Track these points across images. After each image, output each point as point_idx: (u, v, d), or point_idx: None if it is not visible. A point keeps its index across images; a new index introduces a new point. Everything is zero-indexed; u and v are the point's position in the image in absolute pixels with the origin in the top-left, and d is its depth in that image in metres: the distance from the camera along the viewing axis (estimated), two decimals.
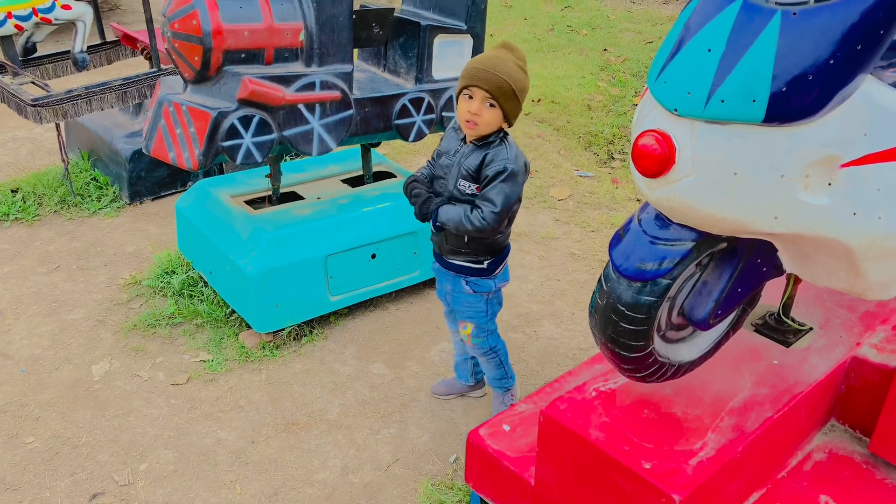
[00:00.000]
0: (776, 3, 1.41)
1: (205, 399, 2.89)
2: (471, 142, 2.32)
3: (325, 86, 2.91)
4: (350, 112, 3.01)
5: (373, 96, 3.12)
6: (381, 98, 3.14)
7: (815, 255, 1.73)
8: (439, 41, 3.23)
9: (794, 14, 1.40)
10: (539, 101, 5.97)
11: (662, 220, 1.70)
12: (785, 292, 2.25)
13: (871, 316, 2.37)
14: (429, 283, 3.57)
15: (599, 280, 1.82)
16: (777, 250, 1.82)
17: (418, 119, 3.28)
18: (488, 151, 2.29)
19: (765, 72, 1.41)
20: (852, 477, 2.08)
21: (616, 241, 1.79)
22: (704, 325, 1.84)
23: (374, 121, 3.16)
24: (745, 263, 1.81)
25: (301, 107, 2.88)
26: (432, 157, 2.47)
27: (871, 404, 2.19)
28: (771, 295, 2.20)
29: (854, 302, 2.43)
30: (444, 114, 3.34)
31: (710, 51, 1.46)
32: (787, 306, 2.28)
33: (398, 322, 3.36)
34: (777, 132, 1.44)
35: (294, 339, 3.20)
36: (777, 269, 1.87)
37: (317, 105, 2.92)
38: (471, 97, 2.22)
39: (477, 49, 3.35)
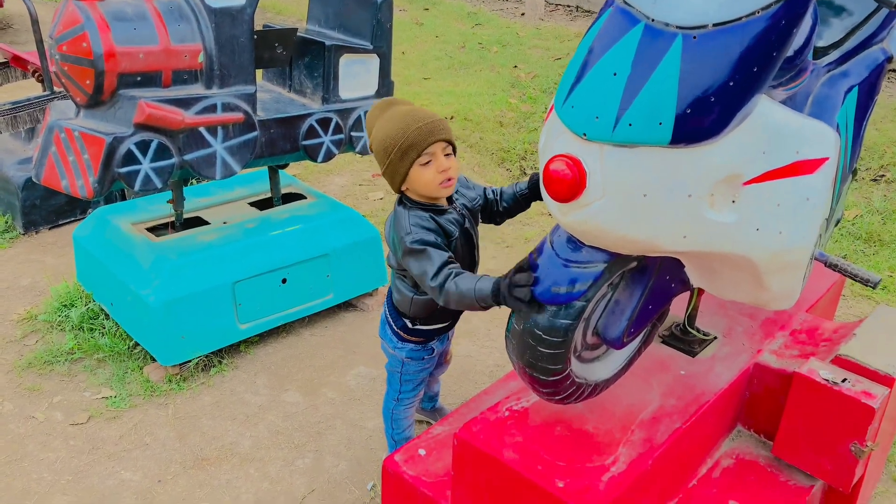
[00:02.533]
0: (677, 28, 1.44)
1: (107, 438, 2.74)
2: (452, 202, 2.14)
3: (227, 108, 2.83)
4: (254, 134, 2.94)
5: (278, 117, 3.05)
6: (286, 119, 3.08)
7: (720, 270, 1.78)
8: (345, 60, 3.20)
9: (695, 38, 1.43)
10: (452, 118, 6.00)
11: (574, 243, 1.71)
12: (689, 304, 2.30)
13: (770, 323, 2.45)
14: (343, 307, 3.51)
15: None
16: (684, 266, 1.86)
17: (326, 139, 3.23)
18: (458, 188, 2.16)
19: (670, 95, 1.44)
20: (758, 481, 2.14)
21: (530, 265, 1.79)
22: (619, 343, 1.86)
23: (281, 142, 3.10)
24: (655, 281, 1.84)
25: (202, 130, 2.79)
26: (441, 244, 2.00)
27: (773, 409, 2.26)
28: (676, 307, 2.25)
29: (755, 310, 2.51)
30: (352, 133, 3.30)
31: (615, 75, 1.47)
32: (691, 317, 2.33)
33: (312, 348, 3.28)
34: (683, 153, 1.47)
35: (202, 370, 3.09)
36: (685, 284, 1.92)
37: (219, 127, 2.83)
38: (429, 162, 1.98)
39: (384, 68, 3.33)
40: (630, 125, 1.46)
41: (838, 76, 2.08)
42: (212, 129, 2.82)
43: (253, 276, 3.09)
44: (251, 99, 2.91)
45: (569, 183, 1.53)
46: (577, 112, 1.52)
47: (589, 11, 9.72)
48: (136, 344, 3.13)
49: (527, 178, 2.36)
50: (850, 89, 2.07)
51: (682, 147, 1.47)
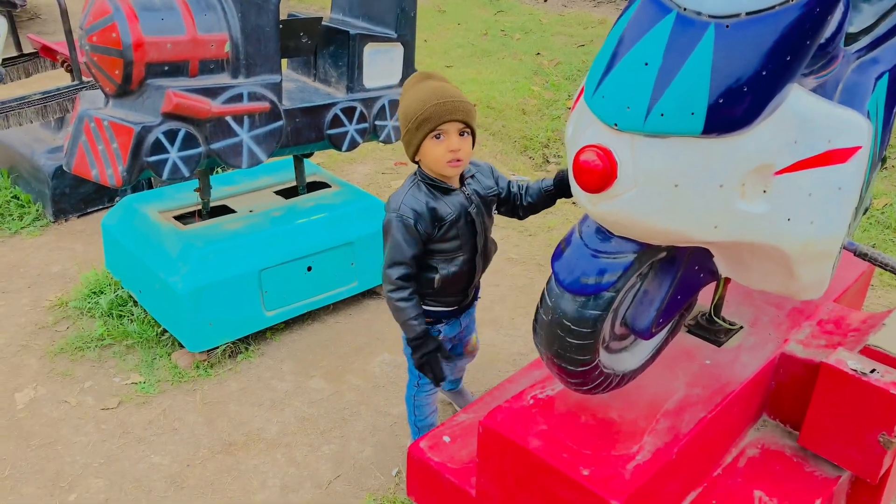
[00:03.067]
0: (709, 17, 1.43)
1: (137, 423, 2.79)
2: (466, 180, 2.20)
3: (254, 97, 2.85)
4: (280, 123, 2.96)
5: (303, 106, 3.07)
6: (312, 108, 3.10)
7: (750, 260, 1.77)
8: (369, 49, 3.21)
9: (727, 27, 1.42)
10: (475, 106, 5.98)
11: (603, 233, 1.71)
12: (716, 293, 2.29)
13: (797, 312, 2.43)
14: (367, 294, 3.54)
15: (542, 294, 1.82)
16: (713, 256, 1.85)
17: (351, 128, 3.24)
18: (475, 174, 2.22)
19: (702, 85, 1.43)
20: (784, 471, 2.13)
21: (558, 254, 1.79)
22: (647, 334, 1.86)
23: (306, 131, 3.12)
24: (684, 271, 1.84)
25: (229, 119, 2.82)
26: (410, 256, 2.12)
27: (799, 399, 2.25)
28: (703, 296, 2.24)
29: (781, 299, 2.49)
30: (377, 122, 3.31)
31: (646, 65, 1.47)
32: (717, 307, 2.32)
33: (337, 335, 3.31)
34: (715, 143, 1.47)
35: (229, 356, 3.13)
36: (713, 275, 1.91)
37: (245, 117, 2.86)
38: (439, 136, 2.03)
39: (408, 57, 3.33)
40: (662, 115, 1.46)
41: (868, 62, 2.05)
42: (238, 119, 2.84)
43: (279, 263, 3.12)
44: (277, 88, 2.93)
45: (599, 173, 1.53)
46: (607, 102, 1.52)
47: None
48: (164, 331, 3.18)
49: (552, 172, 2.38)
50: (880, 76, 2.04)
51: (713, 137, 1.47)
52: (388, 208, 2.12)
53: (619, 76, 1.51)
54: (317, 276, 3.26)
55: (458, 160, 2.06)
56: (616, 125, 1.50)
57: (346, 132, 3.23)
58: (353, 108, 3.21)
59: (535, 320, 1.87)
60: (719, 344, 2.29)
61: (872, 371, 2.04)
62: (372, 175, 4.90)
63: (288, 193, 3.54)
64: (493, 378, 3.05)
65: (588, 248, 1.74)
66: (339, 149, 3.25)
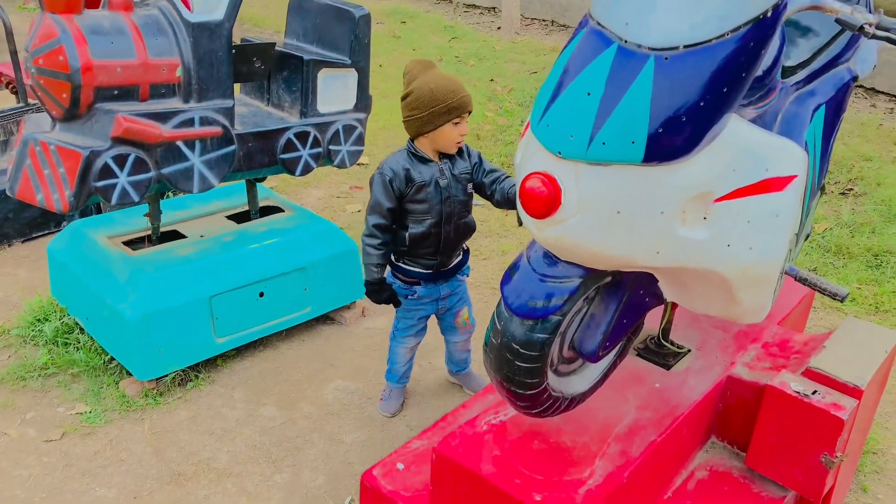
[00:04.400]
0: (649, 49, 1.47)
1: (82, 455, 2.71)
2: (443, 159, 2.56)
3: (205, 121, 2.83)
4: (232, 148, 2.94)
5: (256, 131, 3.05)
6: (264, 132, 3.08)
7: (693, 284, 1.81)
8: (324, 75, 3.21)
9: (666, 59, 1.47)
10: None
11: (550, 258, 1.74)
12: (664, 317, 2.34)
13: (742, 335, 2.50)
14: (320, 320, 3.51)
15: (492, 318, 1.84)
16: (658, 281, 1.89)
17: (304, 153, 3.23)
18: (456, 156, 2.58)
19: (642, 114, 1.47)
20: (731, 492, 2.17)
21: (507, 279, 1.81)
22: (594, 357, 1.89)
23: (259, 156, 3.10)
24: (630, 295, 1.87)
25: (180, 143, 2.79)
26: (385, 208, 2.52)
27: (746, 421, 2.30)
28: (651, 320, 2.28)
29: (727, 323, 2.55)
30: (331, 147, 3.31)
31: (589, 94, 1.51)
32: (665, 330, 2.37)
33: (289, 361, 3.28)
34: (655, 171, 1.51)
35: (178, 384, 3.07)
36: (658, 299, 1.95)
37: (197, 141, 2.83)
38: (457, 122, 2.45)
39: (363, 83, 3.35)
40: (604, 144, 1.49)
41: (806, 95, 2.13)
42: (189, 143, 2.81)
43: (230, 289, 3.09)
44: (229, 113, 2.91)
45: (544, 200, 1.56)
46: (552, 130, 1.55)
47: (564, 26, 9.82)
48: (112, 358, 3.11)
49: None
50: (817, 107, 2.12)
51: (654, 165, 1.51)
52: (382, 163, 2.52)
53: (563, 105, 1.55)
54: (269, 301, 3.23)
55: (460, 142, 2.50)
56: (560, 153, 1.54)
57: (300, 157, 3.23)
58: (307, 133, 3.21)
59: (486, 344, 1.89)
60: (668, 367, 2.33)
61: (814, 392, 2.09)
62: (326, 199, 4.88)
63: (240, 218, 3.51)
64: (448, 403, 3.05)
65: (535, 272, 1.77)
66: (293, 173, 3.24)
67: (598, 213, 1.55)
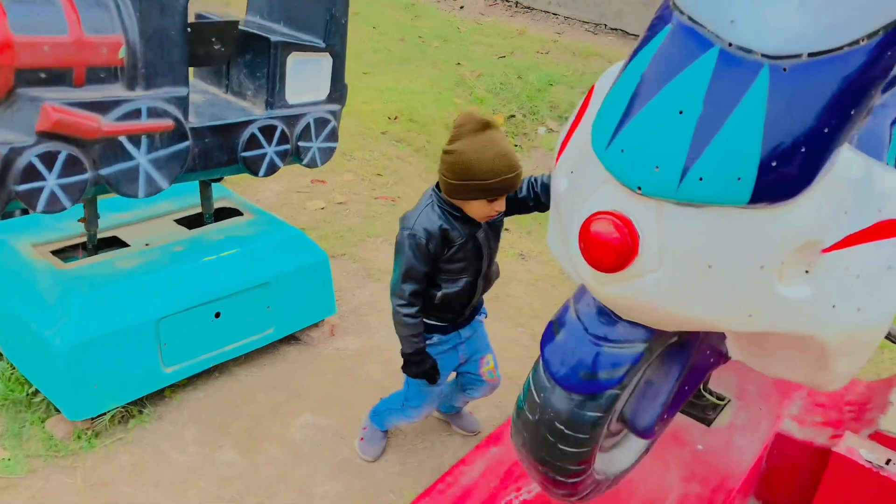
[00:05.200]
0: (763, 56, 1.11)
1: None
2: None
3: (154, 113, 2.35)
4: (186, 144, 2.48)
5: (214, 124, 2.59)
6: (224, 126, 2.62)
7: (776, 348, 1.47)
8: (293, 60, 2.76)
9: (785, 69, 1.11)
10: (396, 118, 5.59)
11: (608, 316, 1.38)
12: None
13: (785, 382, 2.18)
14: (285, 340, 3.08)
15: (527, 385, 1.47)
16: (726, 338, 1.54)
17: (270, 150, 2.78)
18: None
19: (752, 142, 1.12)
20: None
21: (549, 337, 1.44)
22: (650, 433, 1.53)
23: (217, 153, 2.64)
24: (695, 357, 1.52)
25: (123, 139, 2.31)
26: (422, 273, 2.12)
27: (795, 484, 1.99)
28: None
29: None
30: (300, 144, 2.87)
31: (681, 113, 1.14)
32: (705, 381, 2.03)
33: (249, 392, 2.84)
34: (761, 215, 1.17)
35: (119, 422, 2.60)
36: (724, 357, 1.61)
37: (143, 137, 2.36)
38: (493, 200, 2.02)
39: (337, 70, 2.90)
40: (701, 179, 1.14)
41: (878, 107, 1.81)
42: (134, 139, 2.34)
43: (181, 310, 2.63)
44: (182, 103, 2.44)
45: (617, 249, 1.20)
46: (629, 158, 1.18)
47: (529, 8, 9.44)
48: (37, 391, 2.62)
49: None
50: (893, 122, 1.80)
51: (760, 207, 1.16)
52: (403, 225, 2.11)
53: (645, 126, 1.18)
54: (226, 323, 2.78)
55: (494, 216, 2.09)
56: (639, 189, 1.17)
57: (265, 154, 2.78)
58: (273, 127, 2.75)
59: (517, 416, 1.52)
60: (708, 423, 2.01)
61: (888, 462, 1.79)
62: (285, 194, 4.42)
63: (192, 222, 3.04)
64: (427, 445, 2.67)
65: (589, 333, 1.41)
66: (256, 173, 2.78)
67: (684, 268, 1.20)
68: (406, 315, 2.13)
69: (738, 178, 1.14)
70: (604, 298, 1.33)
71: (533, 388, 1.46)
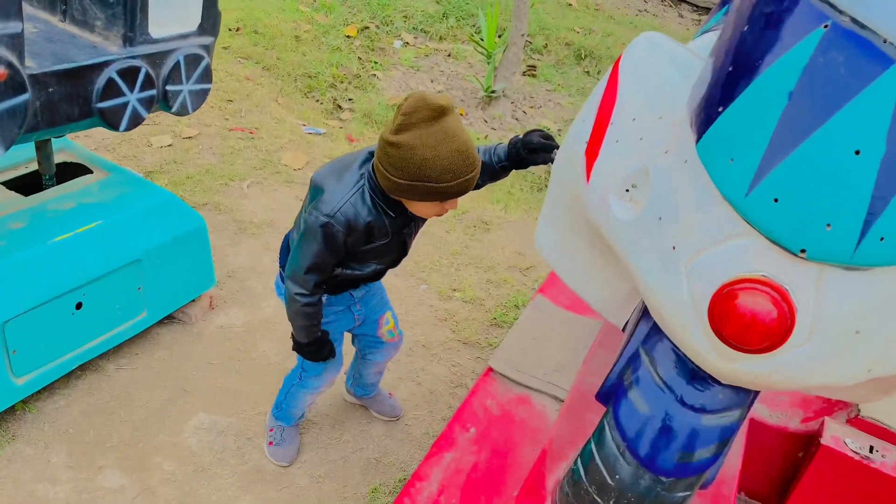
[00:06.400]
0: None
1: None
2: None
3: None
4: (25, 97, 1.87)
5: (60, 69, 1.98)
6: (73, 71, 2.02)
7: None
8: None
9: None
10: (238, 29, 4.90)
11: (703, 379, 1.13)
12: None
13: None
14: (157, 324, 2.58)
15: (589, 456, 1.21)
16: None
17: (132, 98, 2.21)
18: None
19: None
20: None
21: (619, 400, 1.18)
22: (709, 483, 1.34)
23: (65, 106, 2.04)
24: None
25: None
26: (330, 265, 1.81)
27: (765, 469, 1.94)
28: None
29: None
30: (168, 87, 2.31)
31: (858, 154, 0.87)
32: None
33: (125, 391, 2.36)
34: None
35: None
36: None
37: None
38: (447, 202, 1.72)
39: None
40: (882, 239, 0.90)
41: None
42: None
43: (31, 308, 2.08)
44: (16, 44, 1.82)
45: (773, 330, 0.95)
46: (787, 212, 0.92)
47: None
48: None
49: (494, 143, 2.00)
50: None
51: None
52: (318, 208, 1.71)
53: (807, 169, 0.91)
54: (90, 313, 2.26)
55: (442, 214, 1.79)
56: (803, 252, 0.92)
57: (127, 103, 2.20)
58: (136, 69, 2.18)
59: (573, 486, 1.27)
60: None
61: (872, 450, 1.76)
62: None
63: (27, 186, 2.41)
64: (348, 438, 2.37)
65: (683, 403, 1.16)
66: (116, 128, 2.21)
67: (834, 338, 0.98)
68: (306, 305, 1.83)
69: None
70: (721, 373, 1.08)
71: (600, 464, 1.21)
